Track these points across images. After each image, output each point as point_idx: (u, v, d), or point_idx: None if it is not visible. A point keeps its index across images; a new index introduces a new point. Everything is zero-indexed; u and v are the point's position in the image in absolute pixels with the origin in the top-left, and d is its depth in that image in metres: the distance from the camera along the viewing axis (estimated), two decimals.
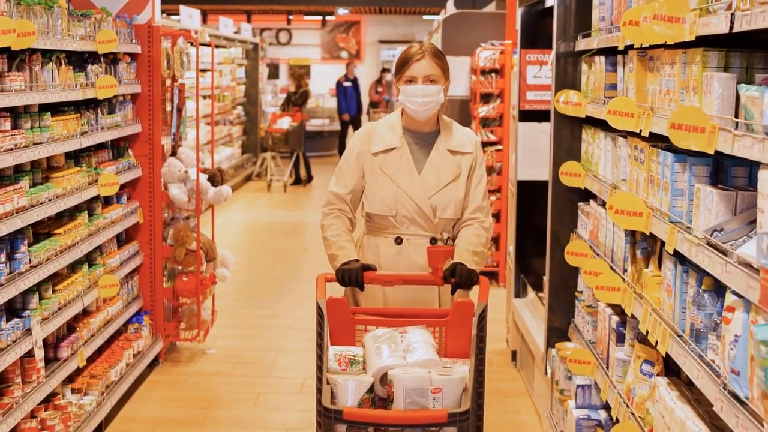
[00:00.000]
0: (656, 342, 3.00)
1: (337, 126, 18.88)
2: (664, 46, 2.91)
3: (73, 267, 4.74)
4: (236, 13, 20.32)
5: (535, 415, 5.07)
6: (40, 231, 4.43)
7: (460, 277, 3.29)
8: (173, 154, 6.05)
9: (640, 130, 3.16)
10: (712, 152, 2.50)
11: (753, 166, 2.66)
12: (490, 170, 8.13)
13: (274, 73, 21.22)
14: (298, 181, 14.84)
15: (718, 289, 2.60)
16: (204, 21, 16.15)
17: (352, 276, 3.33)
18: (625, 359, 3.55)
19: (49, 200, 4.30)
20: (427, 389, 2.83)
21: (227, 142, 14.42)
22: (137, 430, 4.89)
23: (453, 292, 3.38)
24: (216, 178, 6.21)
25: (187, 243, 5.91)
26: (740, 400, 2.28)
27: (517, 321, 5.70)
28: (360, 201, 3.64)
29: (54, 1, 4.38)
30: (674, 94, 2.89)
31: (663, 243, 2.96)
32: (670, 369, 3.18)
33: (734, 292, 2.33)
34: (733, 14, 2.32)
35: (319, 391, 2.98)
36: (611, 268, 3.68)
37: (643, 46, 3.09)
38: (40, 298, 4.24)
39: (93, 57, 4.99)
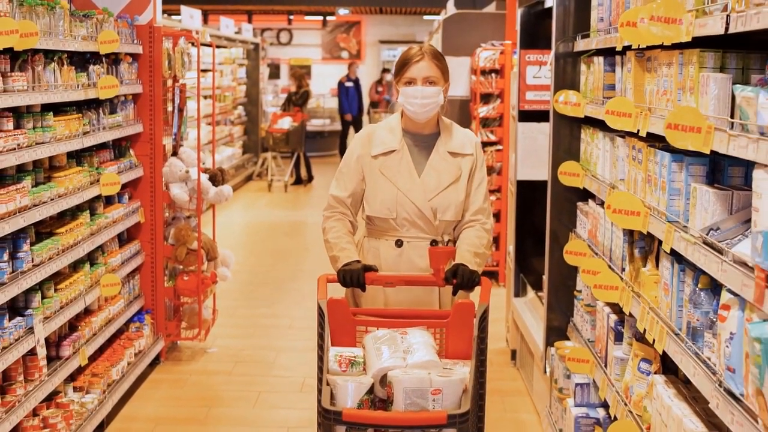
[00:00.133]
0: (653, 340, 3.02)
1: (337, 126, 18.91)
2: (662, 47, 2.94)
3: (75, 266, 4.77)
4: (237, 13, 20.35)
5: (534, 414, 5.10)
6: (43, 230, 4.45)
7: (462, 278, 3.29)
8: (174, 153, 6.08)
9: (638, 130, 3.18)
10: (708, 152, 2.53)
11: (749, 166, 2.68)
12: (490, 170, 8.15)
13: (274, 73, 21.25)
14: (298, 181, 14.87)
15: (714, 287, 2.63)
16: (205, 21, 16.19)
17: (354, 277, 3.32)
18: (623, 357, 3.57)
19: (51, 200, 4.33)
20: (426, 390, 2.82)
21: (228, 142, 14.45)
22: (138, 429, 4.92)
23: (455, 293, 3.38)
24: (217, 177, 6.24)
25: (188, 242, 5.94)
26: (735, 397, 2.31)
27: (517, 320, 5.72)
28: (361, 204, 3.63)
29: (56, 2, 4.41)
30: (671, 95, 2.92)
31: (660, 242, 2.98)
32: (668, 367, 3.21)
33: (729, 291, 2.35)
34: (728, 16, 2.34)
35: (319, 391, 2.98)
36: (609, 267, 3.70)
37: (640, 46, 3.12)
38: (43, 297, 4.26)
39: (95, 57, 5.01)
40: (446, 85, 3.57)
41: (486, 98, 8.49)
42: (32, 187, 4.20)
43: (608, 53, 3.85)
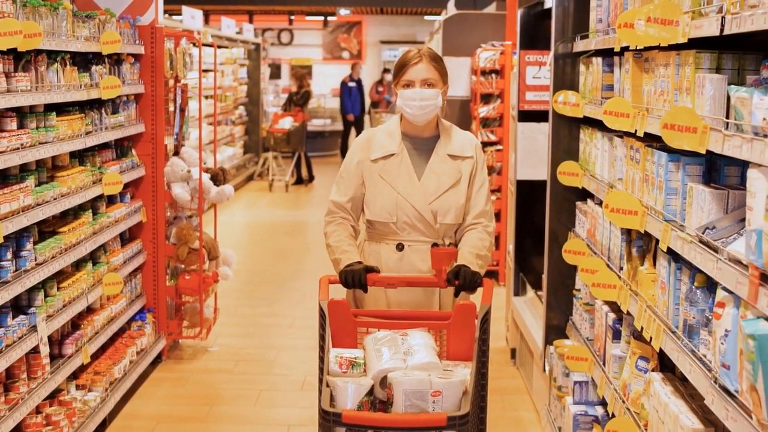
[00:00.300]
0: (651, 338, 3.06)
1: (338, 126, 18.95)
2: (659, 48, 2.97)
3: (78, 265, 4.81)
4: (238, 13, 20.38)
5: (533, 412, 5.13)
6: (45, 229, 4.49)
7: (464, 280, 3.27)
8: (176, 153, 6.11)
9: (636, 131, 3.21)
10: (704, 152, 2.56)
11: (745, 166, 2.71)
12: (490, 170, 8.18)
13: (275, 73, 21.28)
14: (299, 181, 14.90)
15: (710, 285, 2.66)
16: (206, 21, 16.23)
17: (355, 277, 3.30)
18: (621, 355, 3.60)
19: (54, 199, 4.36)
20: (426, 392, 2.81)
21: (229, 142, 14.48)
22: (140, 427, 4.95)
23: (456, 295, 3.37)
24: (218, 177, 6.28)
25: (190, 242, 5.98)
26: (730, 394, 2.34)
27: (516, 319, 5.75)
28: (361, 209, 3.61)
29: (59, 3, 4.44)
30: (668, 95, 2.95)
31: (658, 241, 3.02)
32: (665, 365, 3.24)
33: (725, 288, 2.39)
34: (723, 17, 2.37)
35: (320, 392, 2.97)
36: (608, 265, 3.73)
37: (638, 47, 3.15)
38: (46, 296, 4.30)
39: (97, 58, 5.05)
40: (445, 88, 3.55)
41: (486, 98, 8.53)
42: (35, 186, 4.23)
43: (607, 54, 3.87)
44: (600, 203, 3.89)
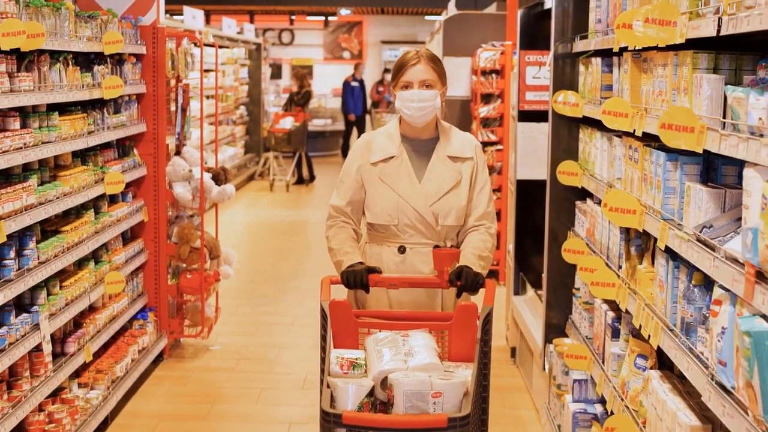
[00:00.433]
0: (649, 336, 3.08)
1: (339, 126, 18.98)
2: (657, 48, 2.99)
3: (80, 264, 4.83)
4: (239, 13, 20.41)
5: (533, 410, 5.16)
6: (48, 228, 4.51)
7: (466, 280, 3.25)
8: (178, 153, 6.14)
9: (634, 130, 3.24)
10: (701, 151, 2.59)
11: (742, 165, 2.73)
12: (490, 170, 8.20)
13: (276, 73, 21.31)
14: (300, 181, 14.92)
15: (708, 283, 2.69)
16: (207, 21, 16.26)
17: (357, 278, 3.29)
18: (620, 354, 3.63)
19: (57, 198, 4.39)
20: (427, 393, 2.80)
21: (230, 142, 14.52)
22: (142, 425, 4.98)
23: (459, 296, 3.36)
24: (220, 177, 6.31)
25: (192, 241, 6.00)
26: (727, 390, 2.37)
27: (517, 318, 5.78)
28: (362, 212, 3.60)
29: (62, 3, 4.47)
30: (666, 95, 2.97)
31: (656, 240, 3.04)
32: (664, 363, 3.26)
33: (721, 286, 2.41)
34: (720, 18, 2.40)
35: (322, 393, 2.96)
36: (607, 264, 3.76)
37: (636, 48, 3.17)
38: (48, 294, 4.32)
39: (99, 58, 5.08)
40: (443, 89, 3.53)
41: (486, 98, 8.55)
42: (38, 185, 4.26)
43: (606, 54, 3.90)
44: (599, 202, 3.91)
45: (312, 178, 15.11)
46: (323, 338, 3.10)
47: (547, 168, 4.70)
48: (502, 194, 7.95)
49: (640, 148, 3.26)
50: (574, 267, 4.41)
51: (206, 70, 11.25)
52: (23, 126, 4.10)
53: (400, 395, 2.81)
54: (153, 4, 5.71)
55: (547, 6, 5.08)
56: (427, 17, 21.52)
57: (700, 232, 2.62)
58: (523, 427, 4.98)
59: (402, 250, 3.51)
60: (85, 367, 4.84)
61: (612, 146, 3.78)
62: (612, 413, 3.58)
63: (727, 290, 2.37)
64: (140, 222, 5.72)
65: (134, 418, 5.07)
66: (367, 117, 18.54)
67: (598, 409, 4.05)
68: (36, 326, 4.12)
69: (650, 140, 3.22)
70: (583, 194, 4.40)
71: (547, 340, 4.73)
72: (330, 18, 22.59)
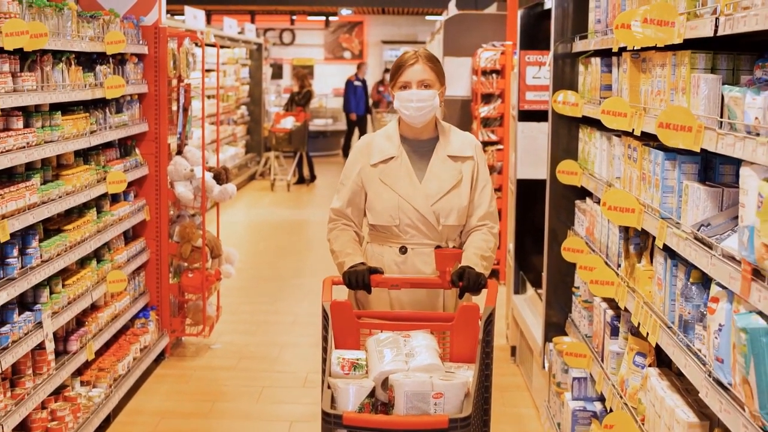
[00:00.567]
0: (647, 333, 3.10)
1: (340, 126, 19.02)
2: (656, 48, 3.02)
3: (82, 262, 4.86)
4: (240, 13, 20.43)
5: (533, 408, 5.18)
6: (51, 227, 4.54)
7: (468, 281, 3.26)
8: (179, 152, 6.17)
9: (633, 130, 3.26)
10: (698, 150, 2.61)
11: (740, 164, 2.76)
12: (491, 170, 8.22)
13: (277, 73, 21.34)
14: (301, 181, 14.95)
15: (705, 281, 2.71)
16: (208, 21, 16.29)
17: (359, 278, 3.30)
18: (619, 351, 3.65)
19: (60, 197, 4.41)
20: (428, 394, 2.79)
21: (231, 142, 14.54)
22: (144, 422, 5.01)
23: (461, 296, 3.36)
24: (221, 176, 6.33)
25: (193, 240, 6.03)
26: (724, 387, 2.39)
27: (517, 317, 5.80)
28: (363, 215, 3.60)
29: (64, 3, 4.49)
30: (664, 95, 3.00)
31: (654, 238, 3.07)
32: (662, 360, 3.29)
33: (719, 284, 2.44)
34: (717, 18, 2.43)
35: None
36: (606, 263, 3.78)
37: (635, 48, 3.20)
38: (51, 293, 4.35)
39: (101, 57, 5.10)
40: (442, 89, 3.53)
41: (487, 98, 8.58)
42: (41, 184, 4.28)
43: (605, 54, 3.92)
44: (599, 202, 3.93)
45: (313, 177, 15.14)
46: (325, 339, 3.11)
47: (547, 167, 4.72)
48: (503, 194, 7.97)
49: (639, 148, 3.28)
50: (573, 266, 4.43)
51: (207, 70, 11.29)
52: (26, 125, 4.13)
53: (400, 396, 2.80)
54: (155, 4, 5.73)
55: (547, 6, 5.11)
56: (427, 17, 21.55)
57: (698, 230, 2.65)
58: (523, 425, 5.01)
59: (403, 250, 3.51)
60: (87, 365, 4.86)
61: (611, 145, 3.81)
62: (611, 410, 3.60)
63: (724, 288, 2.40)
64: (142, 221, 5.74)
65: (136, 415, 5.09)
66: (368, 117, 18.56)
67: (598, 406, 4.07)
68: (39, 324, 4.15)
69: (649, 140, 3.25)
70: (583, 193, 4.42)
71: (547, 338, 4.76)
72: (331, 18, 22.61)
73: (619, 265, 3.64)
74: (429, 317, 3.32)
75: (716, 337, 2.41)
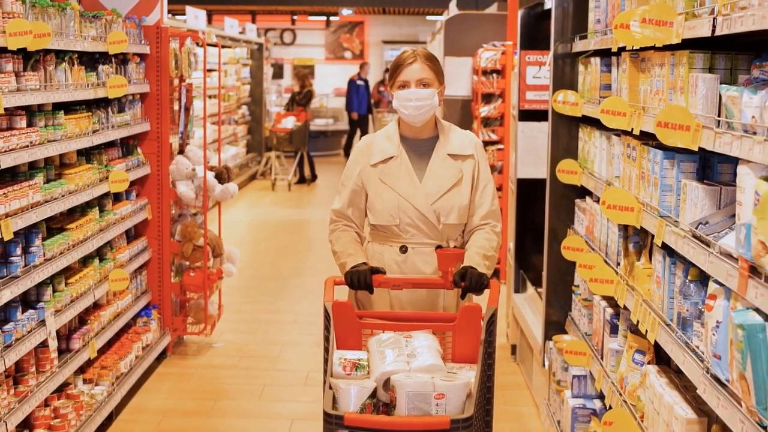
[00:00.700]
0: (646, 331, 3.13)
1: (340, 126, 19.05)
2: (654, 48, 3.04)
3: (85, 261, 4.88)
4: (241, 13, 20.45)
5: (533, 407, 5.21)
6: (53, 226, 4.56)
7: (470, 281, 3.25)
8: (181, 152, 6.19)
9: (632, 129, 3.29)
10: (696, 149, 2.64)
11: (737, 163, 2.78)
12: (491, 169, 8.22)
13: (278, 73, 21.35)
14: (302, 180, 14.97)
15: (703, 279, 2.74)
16: (209, 21, 16.31)
17: (361, 278, 3.29)
18: (618, 349, 3.67)
19: (62, 196, 4.44)
20: (429, 395, 2.78)
21: (232, 142, 14.57)
22: (146, 420, 5.03)
23: (463, 296, 3.36)
24: (223, 175, 6.36)
25: (195, 239, 6.05)
26: (721, 383, 2.42)
27: (517, 316, 5.83)
28: (364, 215, 3.60)
29: (67, 3, 4.52)
30: (663, 94, 3.02)
31: (653, 236, 3.09)
32: (661, 358, 3.31)
33: (716, 281, 2.46)
34: (715, 19, 2.45)
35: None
36: (605, 261, 3.80)
37: (634, 48, 3.22)
38: (54, 291, 4.38)
39: (104, 57, 5.13)
40: (441, 88, 3.53)
41: (487, 98, 8.60)
42: (44, 183, 4.31)
43: (605, 54, 3.94)
44: (598, 201, 3.95)
45: (314, 177, 15.16)
46: (326, 339, 3.11)
47: (547, 167, 4.74)
48: (503, 193, 7.99)
49: (638, 147, 3.31)
50: (573, 265, 4.46)
51: (209, 70, 11.32)
52: (29, 124, 4.16)
53: (402, 397, 2.80)
54: (156, 4, 5.76)
55: (547, 6, 5.13)
56: (428, 17, 21.57)
57: (696, 228, 2.67)
58: (523, 424, 5.03)
59: (404, 249, 3.51)
60: (89, 363, 4.89)
61: (611, 145, 3.83)
62: (610, 408, 3.62)
63: (721, 285, 2.42)
64: (144, 220, 5.77)
65: (138, 413, 5.12)
66: (370, 117, 18.58)
67: (597, 404, 4.10)
68: (42, 322, 4.17)
69: (648, 139, 3.27)
70: (583, 192, 4.44)
71: (547, 336, 4.78)
72: (332, 18, 22.63)
73: (618, 264, 3.66)
74: (431, 318, 3.31)
75: (714, 334, 2.44)
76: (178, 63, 6.01)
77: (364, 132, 17.22)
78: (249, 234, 11.06)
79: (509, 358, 6.05)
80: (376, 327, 3.23)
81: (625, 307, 3.53)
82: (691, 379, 2.67)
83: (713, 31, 2.46)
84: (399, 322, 3.25)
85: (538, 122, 5.87)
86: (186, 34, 6.30)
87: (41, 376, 4.18)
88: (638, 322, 3.23)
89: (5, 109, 3.82)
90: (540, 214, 5.09)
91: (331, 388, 2.89)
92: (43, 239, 4.28)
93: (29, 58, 4.19)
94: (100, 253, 5.10)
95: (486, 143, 8.43)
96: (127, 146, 5.64)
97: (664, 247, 3.00)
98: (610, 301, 3.86)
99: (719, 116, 2.53)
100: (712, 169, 2.90)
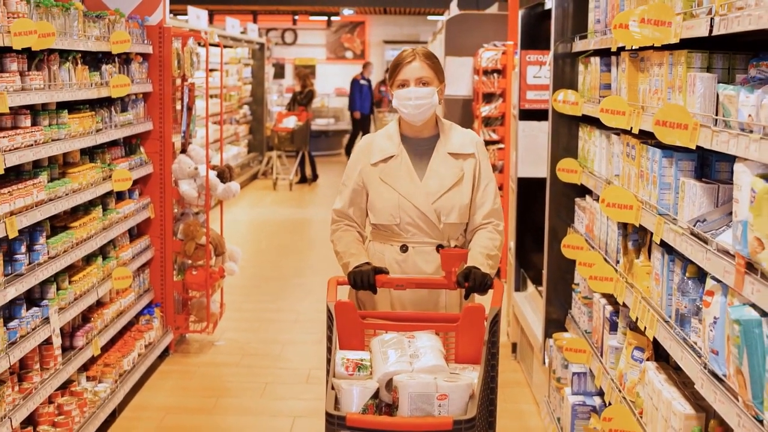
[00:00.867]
0: (645, 327, 3.16)
1: (342, 125, 19.08)
2: (653, 48, 3.07)
3: (88, 259, 4.92)
4: (242, 13, 20.48)
5: (533, 404, 5.24)
6: (57, 224, 4.60)
7: (474, 282, 3.23)
8: (183, 151, 6.22)
9: (631, 128, 3.32)
10: (694, 147, 2.67)
11: (735, 161, 2.82)
12: (492, 169, 8.27)
13: (279, 72, 21.39)
14: (303, 180, 15.00)
15: (701, 275, 2.77)
16: (210, 21, 16.33)
17: (364, 278, 3.28)
18: (617, 346, 3.70)
19: (66, 195, 4.47)
20: (432, 396, 2.77)
21: (233, 141, 14.60)
22: (149, 417, 5.06)
23: (467, 297, 3.36)
24: (225, 174, 6.39)
25: (197, 238, 6.08)
26: (719, 378, 2.45)
27: (517, 314, 5.86)
28: (366, 215, 3.60)
29: (71, 3, 4.55)
30: (662, 93, 3.05)
31: (652, 234, 3.12)
32: (660, 355, 3.34)
33: (714, 278, 2.49)
34: (712, 19, 2.48)
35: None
36: (605, 259, 3.83)
37: (633, 47, 3.25)
38: (58, 289, 4.41)
39: (107, 57, 5.16)
40: (441, 86, 3.52)
41: (488, 98, 8.63)
42: (48, 182, 4.34)
43: (604, 54, 3.97)
44: (598, 199, 3.98)
45: (315, 177, 15.19)
46: (329, 339, 3.11)
47: (547, 166, 4.77)
48: (504, 192, 8.03)
49: (637, 146, 3.34)
50: (573, 263, 4.48)
51: (211, 70, 11.34)
52: (34, 123, 4.19)
53: (405, 397, 2.80)
54: (159, 4, 5.79)
55: (547, 6, 5.16)
56: (429, 17, 21.59)
57: (694, 226, 2.70)
58: (523, 421, 5.06)
59: (404, 248, 3.50)
60: (93, 360, 4.92)
61: (610, 144, 3.86)
62: (610, 404, 3.65)
63: (719, 281, 2.45)
64: (147, 219, 5.80)
65: (141, 411, 5.15)
66: (372, 116, 18.61)
67: (597, 401, 4.13)
68: (46, 320, 4.21)
69: (647, 137, 3.29)
70: (583, 191, 4.47)
71: (547, 334, 4.81)
72: (333, 18, 22.66)
73: (617, 261, 3.69)
74: (434, 318, 3.31)
75: (711, 330, 2.47)
76: (180, 63, 6.04)
77: (366, 132, 17.24)
78: (250, 233, 11.09)
79: (510, 356, 6.08)
80: (379, 327, 3.22)
81: (624, 305, 3.56)
82: (689, 374, 2.70)
83: (711, 31, 2.49)
84: (402, 323, 3.24)
85: (539, 121, 5.90)
86: (188, 34, 6.33)
87: (45, 374, 4.22)
88: (637, 319, 3.26)
89: (10, 108, 3.85)
90: (540, 213, 5.12)
91: (333, 388, 2.88)
92: (47, 237, 4.31)
93: (33, 58, 4.22)
94: (103, 252, 5.13)
95: (487, 143, 8.46)
96: (130, 145, 5.67)
97: (663, 244, 3.03)
98: (610, 298, 3.89)
99: (717, 115, 2.56)
100: (710, 167, 2.93)
